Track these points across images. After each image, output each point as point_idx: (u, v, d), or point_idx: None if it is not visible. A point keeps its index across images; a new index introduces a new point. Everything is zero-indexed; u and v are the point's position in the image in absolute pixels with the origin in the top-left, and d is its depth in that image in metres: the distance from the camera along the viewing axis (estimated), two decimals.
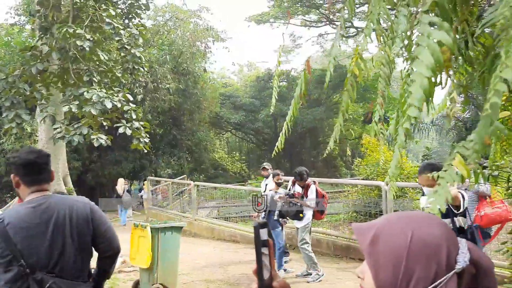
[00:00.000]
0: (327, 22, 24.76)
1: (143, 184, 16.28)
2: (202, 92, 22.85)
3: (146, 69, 10.79)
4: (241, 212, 14.22)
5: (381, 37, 1.74)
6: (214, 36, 22.85)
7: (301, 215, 6.19)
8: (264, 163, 7.86)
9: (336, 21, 23.51)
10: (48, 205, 2.16)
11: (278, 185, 6.66)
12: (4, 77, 9.03)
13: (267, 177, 7.56)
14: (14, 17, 18.93)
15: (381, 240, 0.88)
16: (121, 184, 14.06)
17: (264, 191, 7.30)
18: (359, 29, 21.57)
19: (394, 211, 6.38)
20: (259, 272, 1.02)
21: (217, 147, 30.37)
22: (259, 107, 27.45)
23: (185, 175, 19.22)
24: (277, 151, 1.66)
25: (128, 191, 14.54)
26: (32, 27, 12.66)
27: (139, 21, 10.36)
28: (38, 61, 8.76)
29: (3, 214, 2.18)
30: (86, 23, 9.00)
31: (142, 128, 9.00)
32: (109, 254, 2.34)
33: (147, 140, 9.29)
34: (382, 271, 0.87)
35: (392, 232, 0.88)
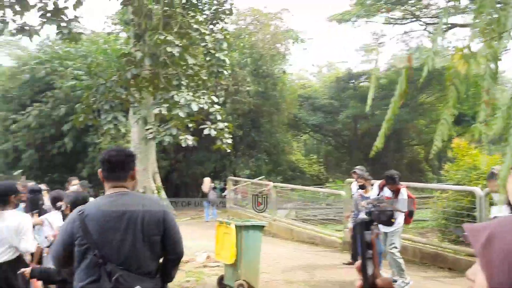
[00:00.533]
0: (413, 19, 23.65)
1: (225, 184, 16.80)
2: (281, 94, 23.03)
3: (228, 72, 11.15)
4: (319, 215, 14.14)
5: (486, 32, 1.66)
6: (294, 37, 22.93)
7: (392, 220, 5.93)
8: (357, 167, 7.61)
9: (422, 17, 22.38)
10: (123, 202, 2.31)
11: (361, 188, 6.52)
12: (104, 82, 9.86)
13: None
14: (110, 26, 20.59)
15: (496, 240, 0.84)
16: (207, 183, 14.63)
17: (353, 195, 7.19)
18: (449, 25, 20.32)
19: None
20: (363, 269, 1.04)
21: (295, 149, 30.37)
22: (339, 108, 26.99)
23: (263, 176, 19.51)
24: (375, 151, 1.65)
25: (214, 189, 15.14)
26: (127, 34, 13.66)
27: (222, 26, 10.74)
28: (133, 66, 9.44)
29: (83, 206, 2.36)
30: (175, 30, 9.51)
31: (226, 129, 9.30)
32: (173, 258, 2.44)
33: (229, 141, 9.59)
34: (496, 272, 0.82)
35: (508, 232, 0.84)
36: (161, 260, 2.43)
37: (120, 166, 2.38)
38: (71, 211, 2.81)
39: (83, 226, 2.22)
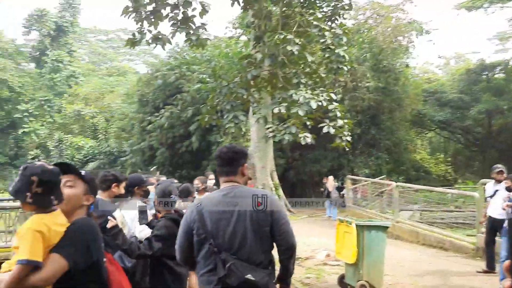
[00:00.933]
0: None
1: (342, 183, 16.50)
2: (403, 89, 21.80)
3: (347, 68, 10.90)
4: (447, 218, 13.06)
5: None
6: (417, 29, 21.52)
7: None
8: (499, 165, 6.87)
9: None
10: (234, 195, 2.44)
11: (508, 190, 5.86)
12: (226, 84, 10.40)
13: (500, 181, 6.59)
14: (231, 31, 21.65)
15: None
16: (331, 182, 14.89)
17: (491, 197, 6.52)
18: None
19: None
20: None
21: (419, 147, 28.51)
22: (469, 103, 24.62)
23: (384, 176, 18.69)
24: None
25: (338, 188, 15.08)
26: (248, 37, 14.21)
27: (341, 22, 10.52)
28: (253, 68, 9.78)
29: (200, 200, 2.59)
30: (294, 29, 9.60)
31: (345, 126, 9.11)
32: (284, 248, 2.46)
33: (349, 138, 9.37)
34: None
35: None
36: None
37: (230, 162, 2.52)
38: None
39: (200, 217, 2.41)
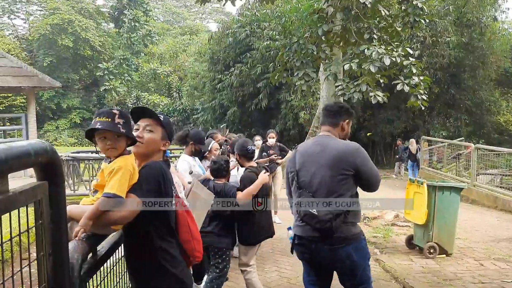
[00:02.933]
0: None
1: (418, 145, 15.84)
2: (488, 45, 19.96)
3: (426, 22, 10.18)
4: None
5: None
6: None
7: None
8: None
9: None
10: (322, 142, 2.76)
11: None
12: (296, 40, 10.19)
13: None
14: None
15: None
16: (413, 144, 15.16)
17: None
18: None
19: None
20: None
21: (503, 109, 26.31)
22: None
23: (462, 138, 17.62)
24: None
25: (419, 150, 15.01)
26: None
27: None
28: (324, 22, 9.46)
29: (301, 144, 3.05)
30: None
31: (421, 84, 8.64)
32: (370, 192, 2.76)
33: (425, 97, 8.89)
34: None
35: None
36: None
37: (332, 115, 2.85)
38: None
39: (293, 158, 2.87)
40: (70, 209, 1.75)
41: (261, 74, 18.99)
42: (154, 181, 1.95)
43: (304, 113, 17.85)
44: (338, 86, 10.03)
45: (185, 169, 4.20)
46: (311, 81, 11.63)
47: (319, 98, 15.80)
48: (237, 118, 21.14)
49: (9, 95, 27.61)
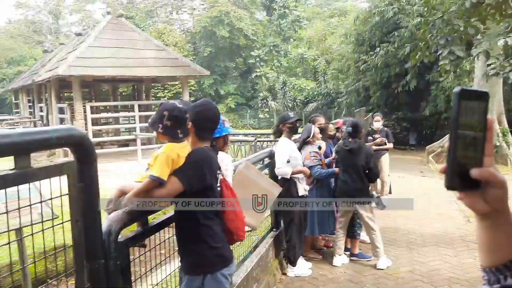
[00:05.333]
0: None
1: None
2: None
3: None
4: None
5: None
6: None
7: None
8: None
9: None
10: None
11: None
12: (440, 15, 9.29)
13: None
14: None
15: None
16: None
17: None
18: None
19: None
20: None
21: None
22: None
23: None
24: None
25: None
26: None
27: None
28: None
29: None
30: None
31: None
32: None
33: None
34: None
35: None
36: None
37: None
38: None
39: None
40: (124, 184, 2.06)
41: (409, 54, 17.75)
42: (196, 165, 2.17)
43: None
44: (491, 64, 8.89)
45: (285, 152, 4.35)
46: (458, 60, 10.52)
47: (474, 78, 14.15)
48: (381, 101, 20.26)
49: (176, 83, 31.37)
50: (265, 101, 30.72)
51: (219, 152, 2.54)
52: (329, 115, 23.05)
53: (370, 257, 5.01)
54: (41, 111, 17.73)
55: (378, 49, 18.99)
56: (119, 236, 1.81)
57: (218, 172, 2.30)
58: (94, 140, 12.82)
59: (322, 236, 5.48)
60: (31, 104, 20.58)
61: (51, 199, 1.48)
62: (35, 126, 18.94)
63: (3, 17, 77.49)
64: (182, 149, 2.18)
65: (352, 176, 4.77)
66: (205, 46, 36.36)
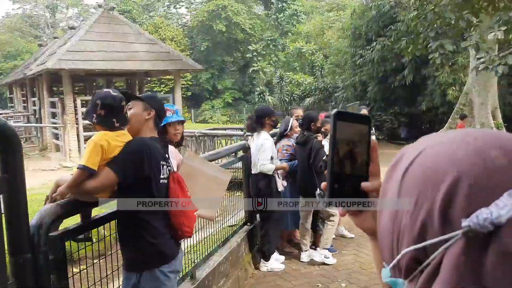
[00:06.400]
0: None
1: None
2: None
3: None
4: None
5: None
6: None
7: None
8: None
9: None
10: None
11: None
12: (432, 7, 9.19)
13: None
14: None
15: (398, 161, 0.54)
16: None
17: None
18: None
19: None
20: None
21: None
22: None
23: None
24: None
25: None
26: None
27: None
28: None
29: None
30: None
31: None
32: None
33: None
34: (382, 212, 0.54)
35: (411, 150, 0.53)
36: None
37: None
38: None
39: None
40: (62, 177, 1.99)
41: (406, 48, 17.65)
42: (134, 155, 2.07)
43: (452, 89, 16.06)
44: (480, 58, 8.81)
45: (269, 148, 4.28)
46: (448, 54, 10.44)
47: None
48: (378, 95, 20.17)
49: (172, 78, 31.26)
50: (262, 95, 30.59)
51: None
52: (326, 109, 22.94)
53: (335, 250, 4.96)
54: (34, 105, 17.64)
55: (375, 43, 18.88)
56: (57, 231, 1.74)
57: (164, 163, 2.21)
58: (85, 134, 12.75)
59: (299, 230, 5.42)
60: (24, 98, 20.48)
61: None
62: (28, 120, 18.85)
63: (1, 11, 77.22)
64: (115, 137, 2.08)
65: (301, 170, 4.64)
66: (202, 41, 36.17)
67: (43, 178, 9.78)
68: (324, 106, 24.98)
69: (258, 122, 4.43)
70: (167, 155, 2.29)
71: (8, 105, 29.06)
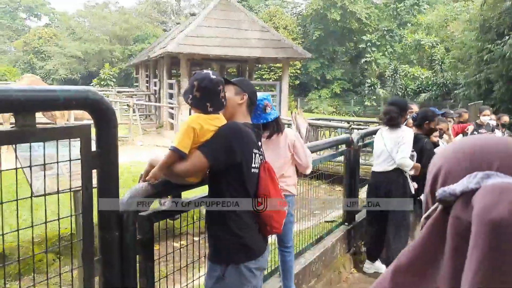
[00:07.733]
0: None
1: None
2: None
3: None
4: None
5: None
6: None
7: None
8: None
9: None
10: None
11: None
12: None
13: None
14: None
15: None
16: None
17: None
18: None
19: None
20: None
21: None
22: None
23: None
24: None
25: None
26: None
27: None
28: None
29: None
30: None
31: None
32: None
33: None
34: None
35: None
36: None
37: None
38: None
39: None
40: (156, 156, 1.96)
41: None
42: (225, 140, 1.97)
43: None
44: None
45: (410, 143, 4.01)
46: None
47: None
48: (506, 96, 18.00)
49: (281, 66, 31.46)
50: (373, 88, 29.31)
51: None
52: (444, 107, 21.24)
53: None
54: (155, 85, 19.05)
55: (507, 37, 16.81)
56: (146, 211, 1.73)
57: (256, 151, 2.10)
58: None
59: None
60: (147, 79, 22.22)
61: (57, 162, 1.42)
62: (149, 99, 20.46)
63: None
64: (208, 121, 1.99)
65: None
66: (315, 30, 35.70)
67: (155, 154, 10.51)
68: (442, 103, 23.13)
69: (399, 115, 4.07)
70: (259, 143, 2.17)
71: (134, 84, 31.89)
